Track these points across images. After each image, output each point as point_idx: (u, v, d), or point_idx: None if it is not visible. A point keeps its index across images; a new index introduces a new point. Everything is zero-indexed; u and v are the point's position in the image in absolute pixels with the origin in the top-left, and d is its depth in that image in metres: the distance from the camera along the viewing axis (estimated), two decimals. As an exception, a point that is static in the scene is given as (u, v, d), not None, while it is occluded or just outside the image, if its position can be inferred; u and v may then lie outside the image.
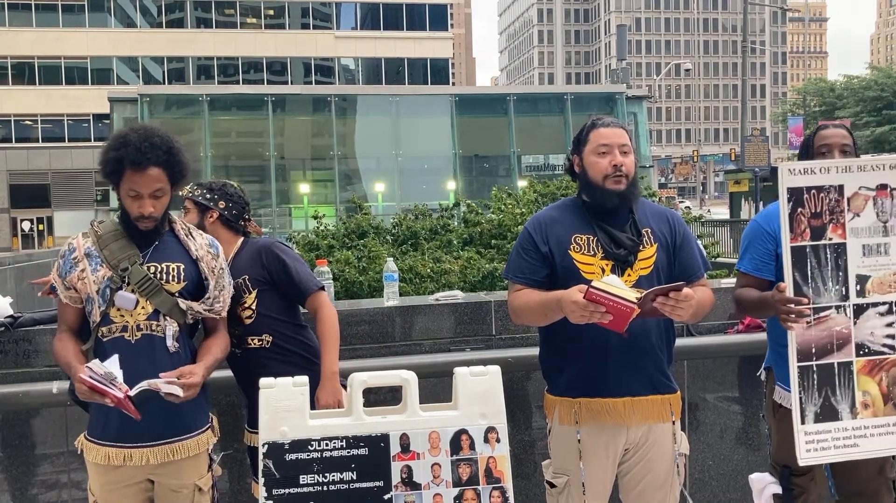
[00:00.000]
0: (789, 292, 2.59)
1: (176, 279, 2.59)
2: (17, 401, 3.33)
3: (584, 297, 2.43)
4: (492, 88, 79.20)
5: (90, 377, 2.34)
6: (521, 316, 2.78)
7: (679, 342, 2.90)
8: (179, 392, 2.42)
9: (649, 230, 2.77)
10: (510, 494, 2.46)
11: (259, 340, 2.98)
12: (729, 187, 30.18)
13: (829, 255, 2.62)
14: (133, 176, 2.48)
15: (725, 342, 4.00)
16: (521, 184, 16.62)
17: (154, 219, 2.54)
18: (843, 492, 2.91)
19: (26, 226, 43.71)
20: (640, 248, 2.72)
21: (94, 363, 2.38)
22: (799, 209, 2.60)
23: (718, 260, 14.74)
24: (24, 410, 3.44)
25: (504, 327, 3.84)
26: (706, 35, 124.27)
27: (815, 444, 2.62)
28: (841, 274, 2.62)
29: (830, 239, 2.62)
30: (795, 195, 2.61)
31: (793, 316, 2.56)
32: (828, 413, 2.62)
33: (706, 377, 4.06)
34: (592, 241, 2.72)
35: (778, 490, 2.86)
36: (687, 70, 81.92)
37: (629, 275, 2.69)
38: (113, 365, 2.40)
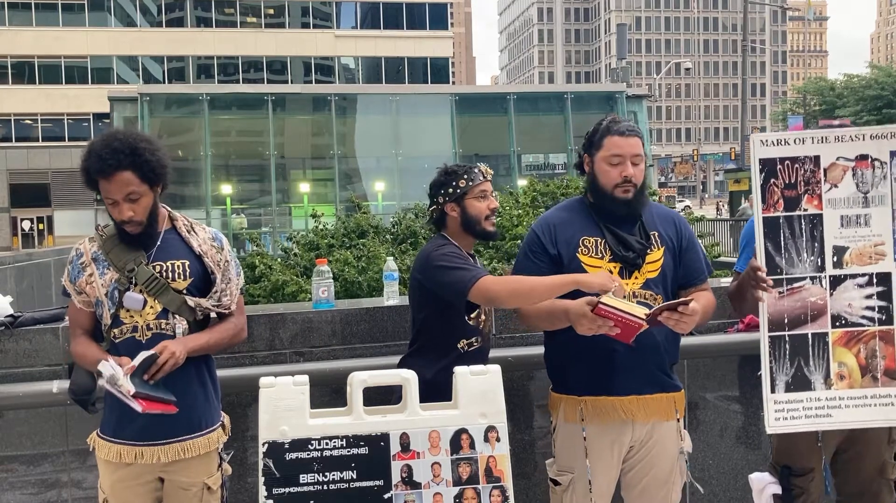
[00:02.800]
0: (761, 262, 2.58)
1: (182, 276, 2.59)
2: (17, 400, 3.33)
3: (592, 312, 2.43)
4: (492, 87, 79.14)
5: (115, 393, 2.37)
6: (527, 320, 2.80)
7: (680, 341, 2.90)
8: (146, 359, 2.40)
9: (657, 233, 2.77)
10: (510, 493, 2.47)
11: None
12: (729, 186, 30.19)
13: (803, 226, 2.61)
14: (104, 184, 2.47)
15: (725, 341, 3.99)
16: (522, 183, 16.60)
17: (137, 222, 2.52)
18: (843, 492, 2.91)
19: (26, 225, 43.68)
20: (649, 251, 2.72)
21: (103, 365, 2.38)
22: (772, 180, 2.60)
23: (719, 259, 14.72)
24: (23, 410, 3.44)
25: (504, 326, 3.83)
26: (706, 34, 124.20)
27: (785, 413, 2.62)
28: (816, 245, 2.61)
29: (805, 210, 2.61)
30: (768, 166, 2.60)
31: (762, 283, 2.56)
32: (800, 383, 2.62)
33: (706, 376, 4.05)
34: (600, 243, 2.72)
35: (778, 490, 2.86)
36: (687, 69, 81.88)
37: (636, 278, 2.69)
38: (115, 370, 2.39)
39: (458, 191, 2.90)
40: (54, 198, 42.42)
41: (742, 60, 36.47)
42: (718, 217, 20.36)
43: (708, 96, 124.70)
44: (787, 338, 2.61)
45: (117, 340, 2.54)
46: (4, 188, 42.98)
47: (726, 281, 4.30)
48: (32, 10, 43.47)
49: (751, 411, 4.08)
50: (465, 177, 2.91)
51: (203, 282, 2.63)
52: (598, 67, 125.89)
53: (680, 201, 58.47)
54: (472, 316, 2.89)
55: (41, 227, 43.78)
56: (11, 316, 3.49)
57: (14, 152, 42.61)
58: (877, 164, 2.63)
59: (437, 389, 2.61)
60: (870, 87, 50.62)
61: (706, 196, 67.27)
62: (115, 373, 2.36)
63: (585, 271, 2.68)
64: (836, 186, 2.62)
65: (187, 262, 2.61)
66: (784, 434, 2.81)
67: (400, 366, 2.95)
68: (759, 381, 3.15)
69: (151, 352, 2.41)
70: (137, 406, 2.35)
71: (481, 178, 2.92)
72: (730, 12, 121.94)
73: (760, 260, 2.59)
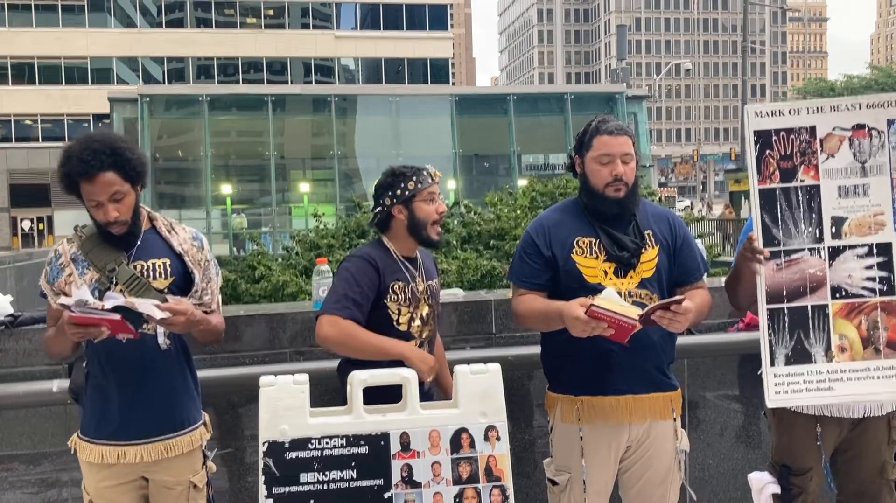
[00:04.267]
0: (758, 235, 2.56)
1: (163, 275, 2.58)
2: (16, 400, 3.33)
3: (585, 314, 2.44)
4: (492, 88, 79.17)
5: (77, 312, 2.29)
6: (523, 321, 2.80)
7: (679, 341, 2.91)
8: (156, 314, 2.35)
9: (651, 232, 2.77)
10: (510, 492, 2.46)
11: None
12: (729, 186, 30.19)
13: (800, 197, 2.58)
14: (87, 186, 2.45)
15: (725, 340, 4.00)
16: (522, 183, 16.62)
17: (123, 222, 2.50)
18: (843, 492, 2.90)
19: (26, 225, 43.68)
20: (643, 250, 2.72)
21: (63, 299, 2.36)
22: (767, 151, 2.57)
23: (719, 259, 14.74)
24: (23, 409, 3.44)
25: (504, 325, 3.84)
26: (706, 35, 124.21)
27: (786, 387, 2.59)
28: (814, 216, 2.58)
29: (802, 181, 2.58)
30: (763, 137, 2.57)
31: (758, 255, 2.54)
32: (800, 356, 2.59)
33: (706, 375, 4.06)
34: (595, 243, 2.72)
35: (777, 489, 2.85)
36: (687, 70, 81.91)
37: (631, 277, 2.69)
38: (83, 293, 2.37)
39: (407, 193, 2.81)
40: (54, 198, 42.32)
41: (742, 61, 36.45)
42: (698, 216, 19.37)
43: (708, 97, 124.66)
44: (785, 311, 2.58)
45: (96, 340, 2.49)
46: (4, 188, 42.97)
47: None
48: (32, 11, 43.46)
49: (751, 410, 4.08)
50: (414, 178, 2.82)
51: (184, 281, 2.62)
52: (598, 68, 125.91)
53: (680, 201, 58.43)
54: (402, 321, 2.80)
55: (41, 227, 43.77)
56: (11, 315, 3.50)
57: (14, 153, 42.59)
58: (874, 133, 2.59)
59: (369, 395, 2.51)
60: (870, 88, 50.69)
61: (706, 196, 67.26)
62: (81, 296, 2.32)
63: (580, 272, 2.69)
64: (832, 157, 2.58)
65: (168, 261, 2.60)
66: (783, 432, 2.80)
67: (338, 370, 2.89)
68: (759, 380, 3.15)
69: (123, 301, 2.35)
70: (106, 327, 2.30)
71: (430, 180, 2.85)
72: (730, 13, 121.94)
73: (757, 232, 2.57)
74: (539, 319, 2.71)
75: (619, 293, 2.60)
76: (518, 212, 10.36)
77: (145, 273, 2.56)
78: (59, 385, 3.20)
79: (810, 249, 2.58)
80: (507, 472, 2.47)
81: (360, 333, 2.69)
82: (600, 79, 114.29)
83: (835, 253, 2.59)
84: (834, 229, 2.59)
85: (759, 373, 3.08)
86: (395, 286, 2.78)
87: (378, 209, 2.88)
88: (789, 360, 2.59)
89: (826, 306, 2.59)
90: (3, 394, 3.30)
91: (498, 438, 2.48)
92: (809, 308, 2.58)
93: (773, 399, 2.60)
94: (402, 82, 45.31)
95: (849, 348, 2.60)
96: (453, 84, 74.80)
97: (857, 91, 51.31)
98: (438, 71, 47.98)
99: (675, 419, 2.78)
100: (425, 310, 2.86)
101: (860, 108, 2.60)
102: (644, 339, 2.63)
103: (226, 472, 3.54)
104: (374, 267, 2.76)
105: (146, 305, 2.36)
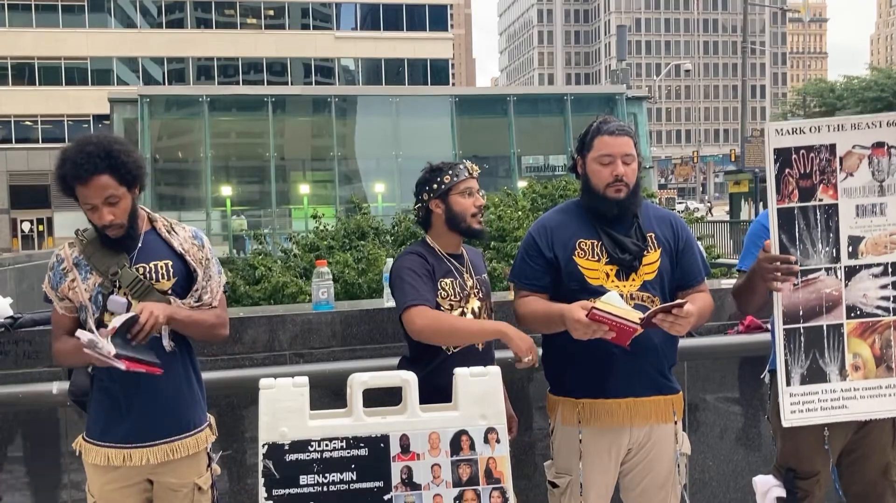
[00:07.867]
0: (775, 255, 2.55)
1: (166, 276, 2.58)
2: (17, 401, 3.33)
3: (587, 317, 2.44)
4: (492, 89, 79.19)
5: (90, 353, 2.33)
6: (525, 322, 2.80)
7: (679, 343, 2.90)
8: (119, 322, 2.35)
9: (653, 234, 2.77)
10: (510, 495, 2.46)
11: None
12: (729, 188, 30.17)
13: (819, 217, 2.58)
14: (82, 189, 2.45)
15: (725, 343, 3.99)
16: (522, 184, 16.63)
17: (119, 225, 2.50)
18: (847, 494, 2.90)
19: (26, 226, 43.69)
20: (645, 252, 2.72)
21: (79, 332, 2.37)
22: (787, 170, 2.56)
23: (719, 260, 14.74)
24: (23, 411, 3.44)
25: (504, 328, 3.83)
26: (706, 36, 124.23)
27: (801, 406, 2.60)
28: (832, 235, 2.58)
29: (821, 200, 2.58)
30: (783, 156, 2.56)
31: (778, 274, 2.53)
32: (815, 375, 2.60)
33: (706, 378, 4.05)
34: (597, 245, 2.72)
35: (782, 493, 2.85)
36: (687, 71, 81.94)
37: (633, 279, 2.69)
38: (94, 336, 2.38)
39: (443, 187, 2.86)
40: (54, 199, 42.30)
41: (742, 62, 36.49)
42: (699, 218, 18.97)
43: (708, 98, 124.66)
44: (801, 331, 2.58)
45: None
46: (4, 189, 42.96)
47: (727, 282, 4.31)
48: (32, 12, 43.47)
49: (751, 413, 4.08)
50: (450, 173, 2.88)
51: (187, 280, 2.62)
52: (598, 69, 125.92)
53: (680, 202, 58.43)
54: (454, 315, 2.83)
55: (41, 228, 43.78)
56: (11, 317, 3.49)
57: (14, 154, 42.59)
58: (893, 151, 2.59)
59: (422, 392, 2.53)
60: (869, 89, 50.57)
61: (706, 198, 67.25)
62: (93, 337, 2.33)
63: (582, 274, 2.69)
64: (851, 175, 2.58)
65: (170, 262, 2.60)
66: (790, 436, 2.79)
67: (399, 368, 2.94)
68: (759, 383, 3.15)
69: (132, 313, 2.38)
70: (120, 365, 2.32)
71: (466, 174, 2.88)
72: (729, 14, 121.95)
73: (774, 252, 2.56)
74: (540, 321, 2.71)
75: (621, 296, 2.60)
76: (520, 213, 10.37)
77: (148, 275, 2.56)
78: (58, 387, 3.20)
79: (827, 269, 2.58)
80: (507, 474, 2.47)
81: (452, 318, 2.77)
82: (600, 80, 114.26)
83: (851, 272, 2.59)
84: (850, 248, 2.59)
85: (762, 376, 3.08)
86: (443, 282, 2.82)
87: (418, 205, 2.94)
88: (804, 380, 2.60)
89: (841, 325, 2.60)
90: (2, 396, 3.30)
91: (498, 440, 2.48)
92: (825, 327, 2.59)
93: (789, 419, 2.61)
94: (402, 83, 45.31)
95: (862, 367, 2.61)
96: (453, 85, 74.81)
97: (857, 92, 51.28)
98: (438, 72, 47.98)
99: (676, 422, 2.78)
100: (476, 304, 2.87)
101: (881, 125, 2.59)
102: (646, 342, 2.63)
103: (226, 474, 3.54)
104: (425, 260, 2.82)
105: (118, 321, 2.36)
